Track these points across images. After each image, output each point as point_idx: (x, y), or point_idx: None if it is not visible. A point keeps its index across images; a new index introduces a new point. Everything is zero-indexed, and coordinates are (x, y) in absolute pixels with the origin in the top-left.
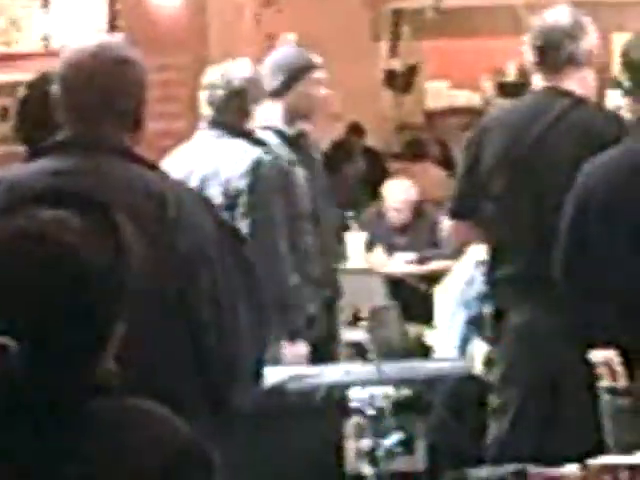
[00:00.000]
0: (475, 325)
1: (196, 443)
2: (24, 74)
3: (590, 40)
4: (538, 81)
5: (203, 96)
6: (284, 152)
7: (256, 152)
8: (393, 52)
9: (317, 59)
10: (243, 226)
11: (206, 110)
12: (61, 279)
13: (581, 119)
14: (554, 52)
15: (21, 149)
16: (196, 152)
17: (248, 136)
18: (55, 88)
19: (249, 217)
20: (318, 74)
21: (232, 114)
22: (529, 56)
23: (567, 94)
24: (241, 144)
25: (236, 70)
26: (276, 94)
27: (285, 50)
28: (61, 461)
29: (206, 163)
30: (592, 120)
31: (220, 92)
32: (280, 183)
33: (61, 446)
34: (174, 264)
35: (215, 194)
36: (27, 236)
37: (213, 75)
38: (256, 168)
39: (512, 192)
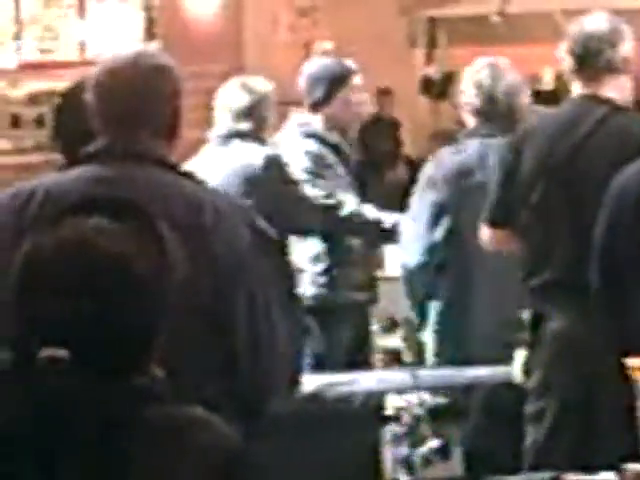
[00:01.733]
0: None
1: (242, 449)
2: (60, 82)
3: (628, 47)
4: (576, 88)
5: (221, 104)
6: (330, 157)
7: (269, 150)
8: (429, 59)
9: (352, 64)
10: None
11: (223, 118)
12: (107, 286)
13: (619, 127)
14: (593, 59)
15: (57, 157)
16: (214, 157)
17: (260, 140)
18: (90, 96)
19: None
20: (356, 80)
21: (250, 122)
22: (567, 63)
23: (605, 101)
24: (254, 146)
25: (254, 81)
26: (318, 104)
27: (322, 61)
28: (109, 467)
29: (224, 165)
30: (630, 128)
31: (240, 101)
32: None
33: (115, 453)
34: (211, 272)
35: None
36: (72, 245)
37: (232, 85)
38: (272, 160)
39: (550, 199)
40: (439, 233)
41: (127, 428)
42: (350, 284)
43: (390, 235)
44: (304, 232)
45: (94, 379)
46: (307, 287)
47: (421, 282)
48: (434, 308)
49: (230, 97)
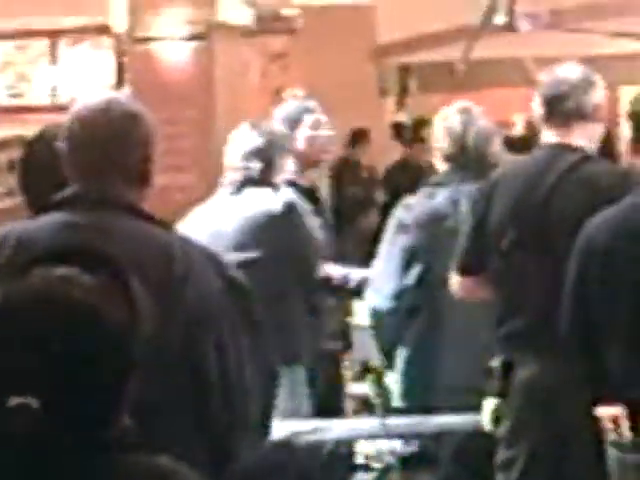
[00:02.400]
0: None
1: None
2: (32, 127)
3: (599, 94)
4: (547, 136)
5: (232, 147)
6: (303, 206)
7: (285, 195)
8: (400, 106)
9: (312, 104)
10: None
11: (235, 162)
12: (76, 336)
13: (590, 175)
14: (563, 106)
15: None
16: (226, 204)
17: (273, 186)
18: (62, 143)
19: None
20: (314, 116)
21: (259, 163)
22: (538, 110)
23: (575, 150)
24: (268, 191)
25: (264, 124)
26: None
27: (284, 105)
28: None
29: (237, 212)
30: (601, 176)
31: (250, 142)
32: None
33: None
34: (180, 321)
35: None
36: (40, 296)
37: (243, 129)
38: (290, 206)
39: (520, 247)
40: (411, 278)
41: (93, 475)
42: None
43: (356, 292)
44: (312, 276)
45: (63, 428)
46: None
47: (391, 326)
48: (401, 354)
49: (240, 139)
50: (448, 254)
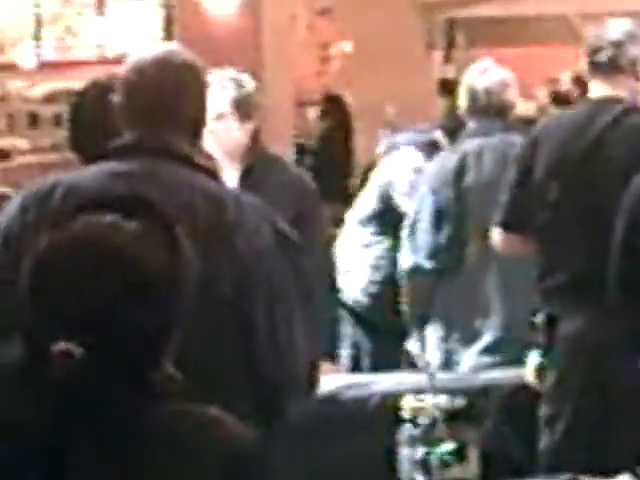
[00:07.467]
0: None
1: (255, 448)
2: (78, 81)
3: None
4: (594, 89)
5: None
6: None
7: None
8: (447, 61)
9: None
10: None
11: None
12: (118, 283)
13: (634, 126)
14: (611, 60)
15: (74, 156)
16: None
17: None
18: (117, 94)
19: None
20: None
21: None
22: (588, 64)
23: (620, 101)
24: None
25: None
26: None
27: None
28: (123, 465)
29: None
30: None
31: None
32: None
33: (123, 450)
34: (231, 271)
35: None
36: (84, 242)
37: None
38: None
39: (566, 199)
40: (443, 237)
41: (138, 426)
42: None
43: None
44: None
45: (106, 375)
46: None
47: (427, 288)
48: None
49: None
50: (472, 210)
